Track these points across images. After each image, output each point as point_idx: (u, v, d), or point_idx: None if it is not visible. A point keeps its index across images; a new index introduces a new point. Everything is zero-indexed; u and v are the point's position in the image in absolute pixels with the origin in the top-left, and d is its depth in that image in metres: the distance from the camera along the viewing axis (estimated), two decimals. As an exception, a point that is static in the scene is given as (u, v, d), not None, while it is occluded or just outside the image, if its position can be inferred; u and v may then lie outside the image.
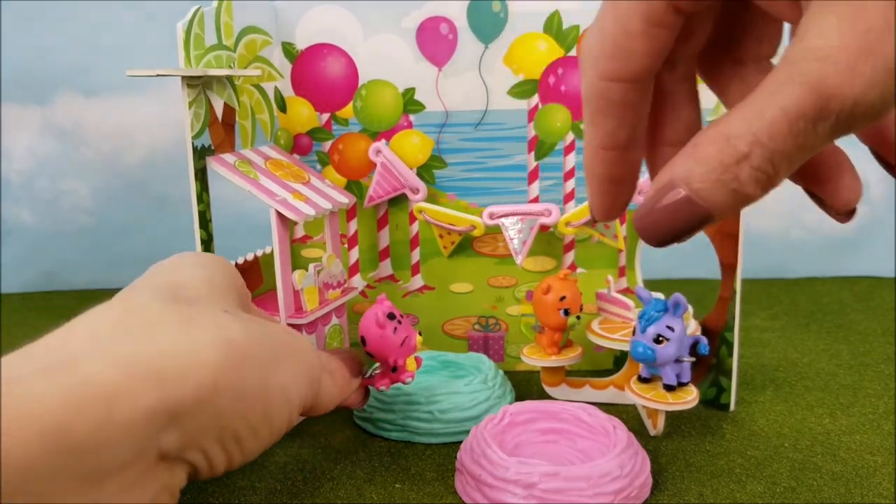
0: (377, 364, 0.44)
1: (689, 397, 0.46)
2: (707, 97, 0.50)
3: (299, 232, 0.59)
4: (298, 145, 0.58)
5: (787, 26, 0.22)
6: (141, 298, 0.28)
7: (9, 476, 0.21)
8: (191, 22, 0.46)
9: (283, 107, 0.57)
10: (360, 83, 0.56)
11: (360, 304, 0.60)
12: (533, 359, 0.53)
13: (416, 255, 0.60)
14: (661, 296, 0.47)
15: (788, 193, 0.94)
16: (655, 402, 0.46)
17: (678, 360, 0.45)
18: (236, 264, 0.53)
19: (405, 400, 0.48)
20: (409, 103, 0.57)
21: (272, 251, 0.53)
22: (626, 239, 0.58)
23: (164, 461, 0.26)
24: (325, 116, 0.57)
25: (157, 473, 0.26)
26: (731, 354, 0.51)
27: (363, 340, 0.42)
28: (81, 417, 0.23)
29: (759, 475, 0.44)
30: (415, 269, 0.60)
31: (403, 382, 0.43)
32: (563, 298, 0.50)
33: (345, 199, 0.54)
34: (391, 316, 0.42)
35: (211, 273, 0.32)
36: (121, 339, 0.25)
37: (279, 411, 0.30)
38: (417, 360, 0.44)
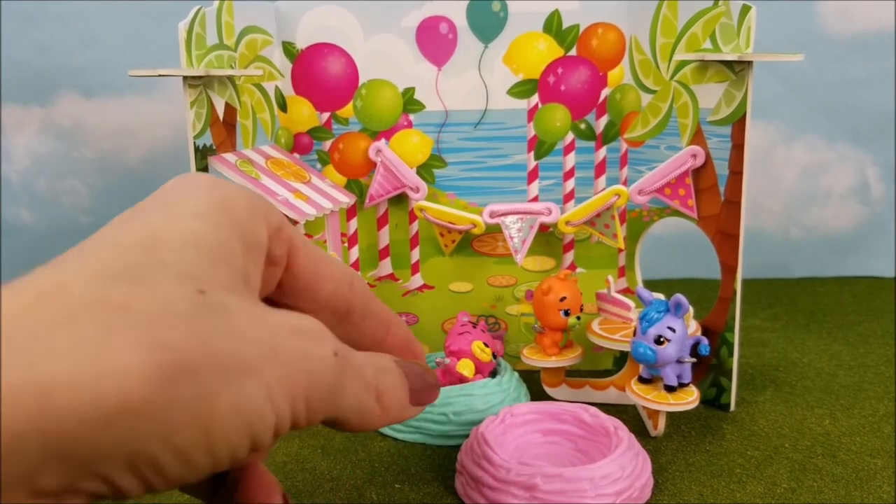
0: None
1: (690, 398, 0.46)
2: (706, 97, 0.51)
3: (300, 231, 0.59)
4: (299, 144, 0.58)
5: None
6: (75, 272, 0.22)
7: None
8: (192, 22, 0.46)
9: (283, 106, 0.57)
10: (361, 83, 0.56)
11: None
12: (533, 359, 0.53)
13: (415, 254, 0.60)
14: (661, 296, 0.47)
15: (788, 193, 0.94)
16: (656, 403, 0.46)
17: (679, 361, 0.45)
18: None
19: None
20: (409, 103, 0.57)
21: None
22: (626, 239, 0.58)
23: (43, 497, 0.20)
24: (326, 116, 0.57)
25: None
26: (731, 355, 0.51)
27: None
28: None
29: (758, 475, 0.44)
30: (415, 268, 0.60)
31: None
32: (563, 299, 0.50)
33: (345, 199, 0.54)
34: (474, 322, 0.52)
35: (210, 228, 0.25)
36: (14, 345, 0.19)
37: (229, 433, 0.22)
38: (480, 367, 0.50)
